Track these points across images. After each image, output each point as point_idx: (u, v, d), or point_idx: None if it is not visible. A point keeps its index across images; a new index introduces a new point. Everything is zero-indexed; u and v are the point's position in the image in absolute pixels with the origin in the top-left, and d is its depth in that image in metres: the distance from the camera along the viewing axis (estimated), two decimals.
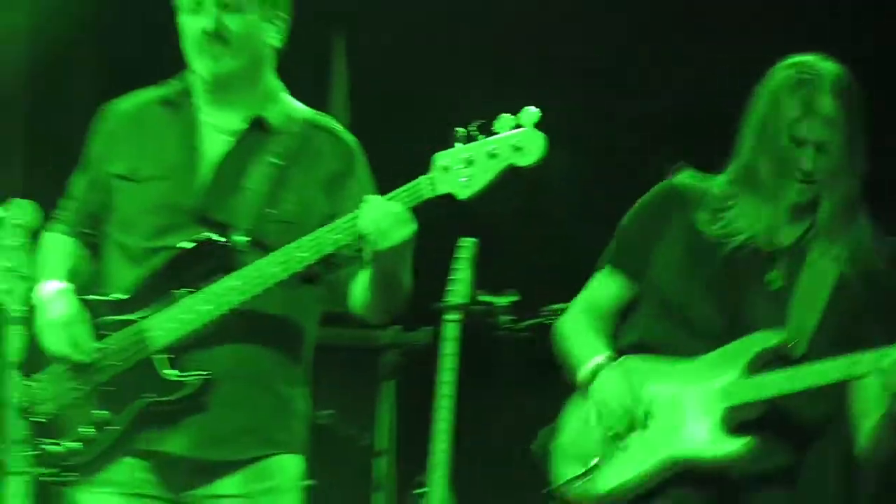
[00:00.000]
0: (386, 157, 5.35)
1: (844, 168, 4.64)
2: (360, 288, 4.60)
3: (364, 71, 8.01)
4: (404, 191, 4.39)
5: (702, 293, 4.78)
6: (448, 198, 4.32)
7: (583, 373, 4.78)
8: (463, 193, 4.34)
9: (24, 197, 4.33)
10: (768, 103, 4.66)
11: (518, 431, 5.91)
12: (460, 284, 6.37)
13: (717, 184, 4.79)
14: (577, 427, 4.85)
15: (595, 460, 4.77)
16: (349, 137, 4.78)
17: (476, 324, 6.44)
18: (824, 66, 4.64)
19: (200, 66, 4.60)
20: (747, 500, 4.67)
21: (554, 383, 5.45)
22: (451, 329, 6.36)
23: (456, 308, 6.28)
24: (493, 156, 4.32)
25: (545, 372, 5.95)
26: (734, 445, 4.57)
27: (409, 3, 8.01)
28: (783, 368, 4.63)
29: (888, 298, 4.73)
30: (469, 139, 4.33)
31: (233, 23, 4.56)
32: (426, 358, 6.56)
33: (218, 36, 4.55)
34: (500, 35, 8.07)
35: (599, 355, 4.75)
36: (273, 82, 4.75)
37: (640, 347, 4.75)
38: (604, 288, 4.89)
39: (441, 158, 4.35)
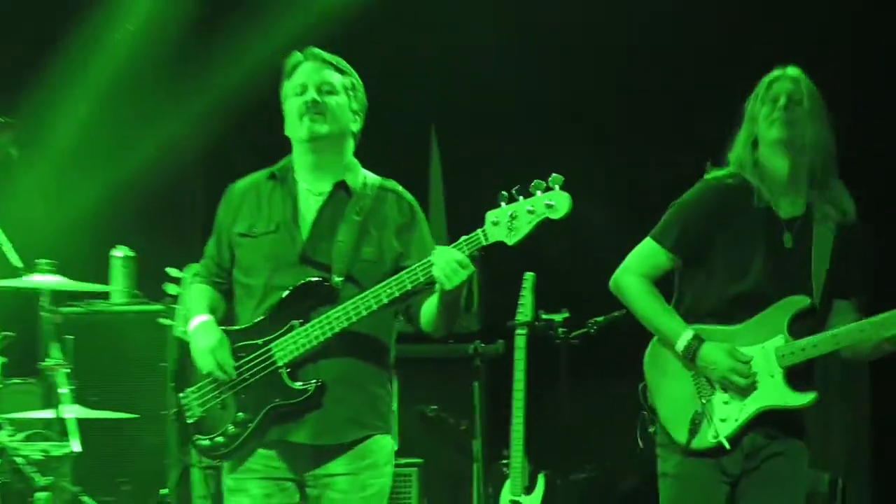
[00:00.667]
0: (454, 213, 6.80)
1: (816, 137, 5.48)
2: (427, 312, 5.39)
3: (450, 159, 9.06)
4: (466, 240, 5.16)
5: (743, 264, 5.57)
6: (500, 244, 5.20)
7: (681, 345, 5.55)
8: (510, 240, 5.14)
9: (196, 262, 5.85)
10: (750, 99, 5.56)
11: (574, 415, 7.97)
12: (525, 307, 7.66)
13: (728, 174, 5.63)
14: (668, 394, 5.65)
15: (698, 414, 5.59)
16: (410, 197, 5.60)
17: (539, 336, 7.66)
18: (788, 69, 5.58)
19: (302, 130, 5.44)
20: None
21: (596, 378, 7.22)
22: (520, 341, 7.64)
23: (523, 325, 7.58)
24: (530, 212, 5.11)
25: (591, 370, 7.62)
26: (809, 397, 5.45)
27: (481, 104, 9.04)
28: (822, 333, 5.50)
29: (862, 248, 5.63)
30: (511, 200, 5.12)
31: (328, 100, 5.43)
32: (503, 363, 7.88)
33: (317, 106, 5.40)
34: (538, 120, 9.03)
35: (685, 332, 5.56)
36: (351, 157, 5.55)
37: (696, 316, 5.56)
38: (655, 258, 5.66)
39: (492, 215, 5.14)
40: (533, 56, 9.20)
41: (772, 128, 5.47)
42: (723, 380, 5.44)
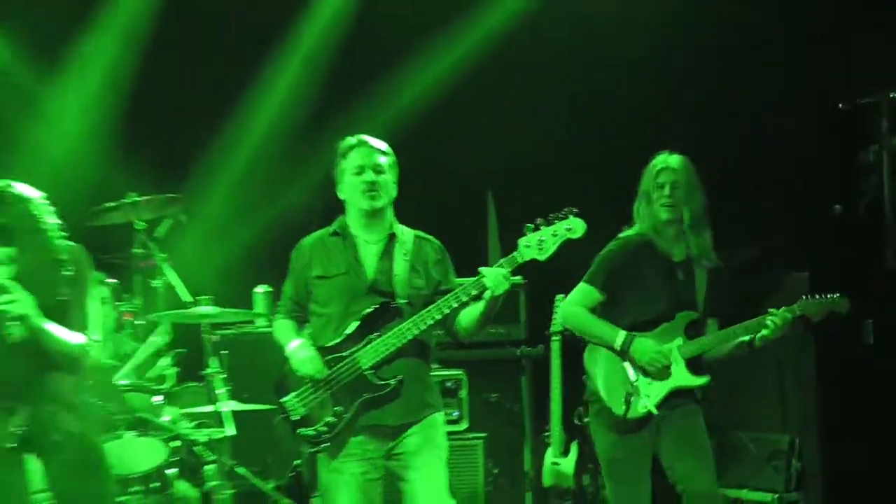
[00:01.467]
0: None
1: (693, 205, 6.54)
2: (463, 321, 6.13)
3: (505, 220, 9.46)
4: (507, 260, 5.94)
5: (652, 293, 6.60)
6: (533, 262, 5.96)
7: (619, 342, 6.51)
8: (541, 257, 5.91)
9: None
10: (643, 176, 6.65)
11: None
12: (557, 320, 8.47)
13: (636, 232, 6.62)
14: (608, 380, 6.64)
15: (629, 394, 6.58)
16: (438, 242, 6.31)
17: (568, 341, 8.14)
18: (670, 159, 6.63)
19: (364, 204, 6.14)
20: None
21: None
22: (555, 345, 8.50)
23: (557, 333, 8.46)
24: (555, 235, 5.90)
25: None
26: (704, 379, 6.62)
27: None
28: (706, 335, 6.59)
29: (727, 281, 6.72)
30: (536, 228, 5.93)
31: (380, 179, 6.18)
32: (543, 361, 8.69)
33: (374, 186, 6.16)
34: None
35: (621, 332, 6.53)
36: (392, 215, 6.24)
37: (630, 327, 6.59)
38: (590, 295, 6.70)
39: (524, 241, 5.94)
40: (581, 124, 9.77)
41: (661, 210, 6.61)
42: (649, 363, 6.52)
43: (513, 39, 9.71)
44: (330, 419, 6.14)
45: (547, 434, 8.71)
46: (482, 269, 5.94)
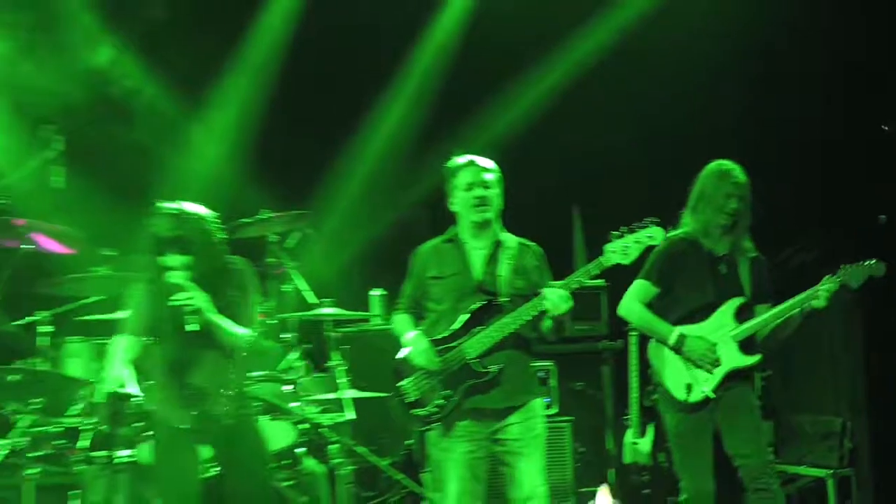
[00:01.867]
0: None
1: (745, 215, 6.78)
2: (543, 326, 6.41)
3: (590, 235, 9.50)
4: (595, 265, 6.16)
5: (699, 285, 6.79)
6: (617, 266, 6.24)
7: (672, 341, 6.77)
8: (626, 261, 6.20)
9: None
10: (707, 182, 6.82)
11: None
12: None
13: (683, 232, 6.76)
14: (669, 371, 6.90)
15: (688, 381, 6.83)
16: (539, 249, 6.51)
17: (644, 336, 7.80)
18: (736, 172, 6.78)
19: (476, 217, 6.41)
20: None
21: None
22: (633, 340, 8.80)
23: (634, 329, 8.66)
24: (637, 241, 6.17)
25: None
26: (755, 359, 6.83)
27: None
28: (753, 317, 6.76)
29: (767, 269, 6.92)
30: (621, 236, 6.21)
31: (488, 193, 6.46)
32: (622, 354, 9.04)
33: (484, 200, 6.43)
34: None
35: (674, 331, 6.77)
36: (498, 224, 6.47)
37: (677, 321, 6.81)
38: (645, 290, 6.91)
39: (609, 247, 6.21)
40: (659, 141, 9.90)
41: (722, 217, 6.86)
42: (699, 360, 6.84)
43: (597, 67, 10.00)
44: (440, 402, 6.37)
45: (626, 417, 8.94)
46: (544, 291, 6.24)
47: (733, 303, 6.86)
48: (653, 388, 7.14)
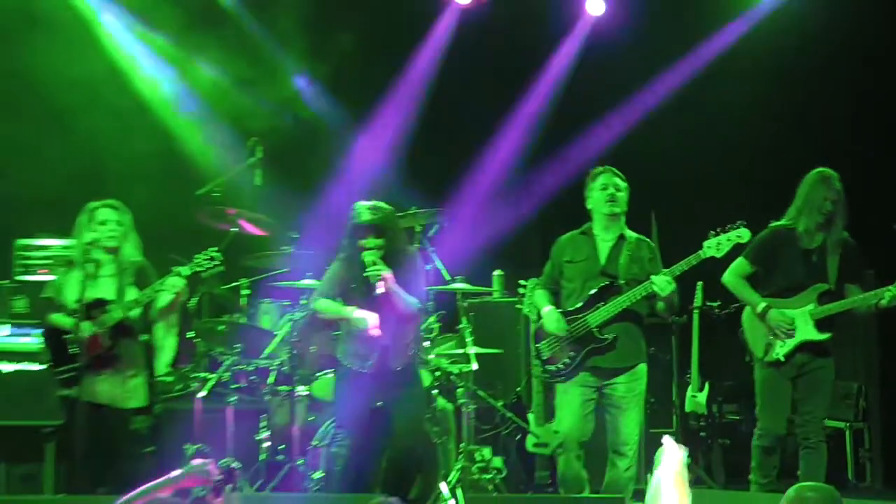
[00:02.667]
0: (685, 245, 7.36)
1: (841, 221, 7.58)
2: (659, 306, 7.55)
3: (666, 237, 9.90)
4: (695, 257, 7.23)
5: (790, 270, 7.50)
6: (711, 259, 7.23)
7: (759, 309, 7.59)
8: (719, 254, 7.28)
9: (533, 278, 7.70)
10: (809, 186, 7.58)
11: (724, 349, 9.69)
12: (697, 298, 10.10)
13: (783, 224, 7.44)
14: (753, 333, 7.82)
15: (767, 345, 7.70)
16: (653, 244, 7.61)
17: (704, 313, 9.96)
18: (834, 180, 7.53)
19: (606, 209, 7.49)
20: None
21: (733, 332, 8.35)
22: (696, 315, 10.15)
23: (697, 307, 10.12)
24: (728, 239, 7.23)
25: (728, 328, 9.14)
26: (826, 335, 7.68)
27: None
28: (837, 301, 7.55)
29: (858, 254, 7.71)
30: (716, 234, 7.24)
31: (618, 195, 7.59)
32: (687, 327, 10.17)
33: (615, 197, 7.56)
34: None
35: (762, 301, 7.64)
36: (624, 222, 7.53)
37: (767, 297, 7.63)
38: (744, 268, 7.69)
39: (706, 243, 7.28)
40: (733, 149, 10.94)
41: (821, 217, 7.58)
42: (776, 328, 7.66)
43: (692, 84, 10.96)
44: (566, 360, 7.55)
45: (688, 376, 10.20)
46: (653, 277, 7.34)
47: (818, 287, 7.67)
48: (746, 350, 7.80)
